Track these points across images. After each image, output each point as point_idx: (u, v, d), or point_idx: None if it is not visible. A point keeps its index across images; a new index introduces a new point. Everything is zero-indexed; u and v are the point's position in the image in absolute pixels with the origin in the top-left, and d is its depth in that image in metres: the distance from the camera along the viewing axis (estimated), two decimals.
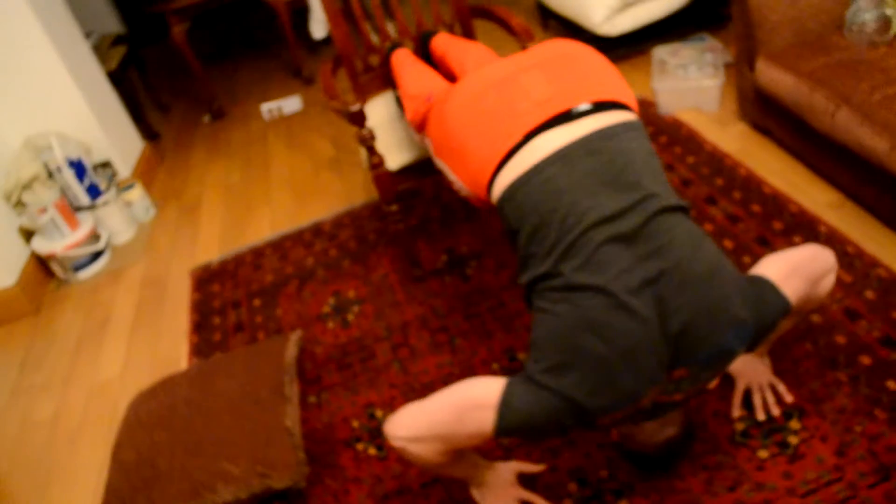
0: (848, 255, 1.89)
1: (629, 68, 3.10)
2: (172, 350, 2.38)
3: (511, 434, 1.27)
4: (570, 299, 1.23)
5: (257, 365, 2.03)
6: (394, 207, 2.13)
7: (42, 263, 2.89)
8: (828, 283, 1.42)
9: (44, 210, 2.75)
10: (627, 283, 1.20)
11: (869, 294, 1.78)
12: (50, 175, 2.84)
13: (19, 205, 2.76)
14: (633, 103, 1.46)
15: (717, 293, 1.23)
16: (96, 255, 2.91)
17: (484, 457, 1.65)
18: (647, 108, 2.77)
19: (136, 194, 3.12)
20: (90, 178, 2.93)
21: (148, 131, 3.91)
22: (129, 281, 2.82)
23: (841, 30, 2.17)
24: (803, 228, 2.02)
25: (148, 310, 2.62)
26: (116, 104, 3.40)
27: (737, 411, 1.61)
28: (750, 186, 2.22)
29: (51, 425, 2.24)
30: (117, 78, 3.60)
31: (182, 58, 3.89)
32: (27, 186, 2.73)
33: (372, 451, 1.80)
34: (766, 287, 1.33)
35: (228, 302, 2.48)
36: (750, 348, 1.33)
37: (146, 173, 3.44)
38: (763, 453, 1.52)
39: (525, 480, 1.61)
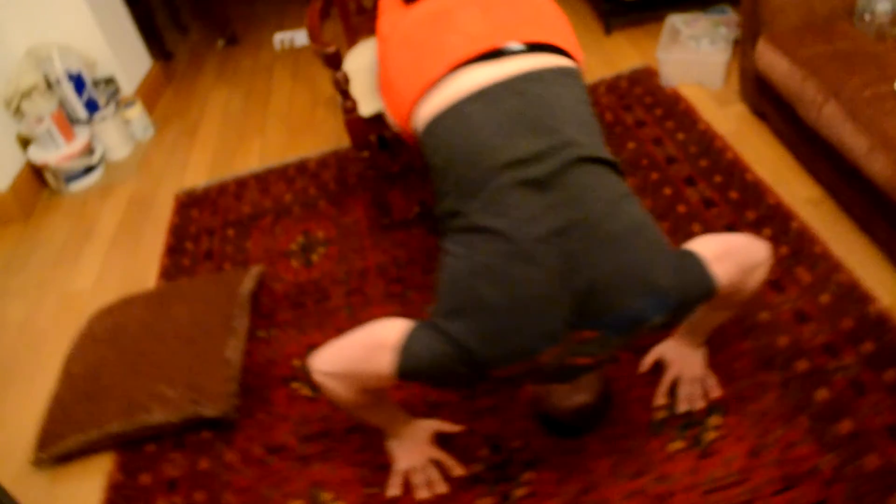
0: (813, 256, 1.83)
1: (641, 34, 2.98)
2: (144, 270, 2.43)
3: (411, 378, 1.25)
4: (470, 242, 1.21)
5: (213, 295, 2.06)
6: (365, 154, 2.11)
7: (36, 172, 2.95)
8: (759, 275, 1.37)
9: (41, 120, 2.79)
10: (532, 231, 1.16)
11: (824, 298, 1.72)
12: (49, 86, 2.87)
13: (18, 112, 2.80)
14: (575, 52, 1.41)
15: (634, 255, 1.18)
16: (89, 169, 2.95)
17: (408, 412, 1.66)
18: (649, 78, 2.67)
19: (136, 113, 3.14)
20: (89, 92, 2.95)
21: (161, 50, 3.91)
22: (118, 197, 2.86)
23: (852, 17, 2.05)
24: (775, 222, 1.95)
25: (129, 228, 2.67)
26: (126, 20, 3.40)
27: (660, 399, 1.59)
28: (733, 171, 2.15)
29: (19, 328, 2.32)
30: None
31: None
32: (26, 95, 2.76)
33: (305, 391, 1.83)
34: (694, 262, 1.28)
35: (204, 229, 2.51)
36: (670, 323, 1.28)
37: (150, 93, 3.45)
38: (675, 445, 1.50)
39: (441, 439, 1.63)
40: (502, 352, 1.17)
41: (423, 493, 1.53)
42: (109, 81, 3.12)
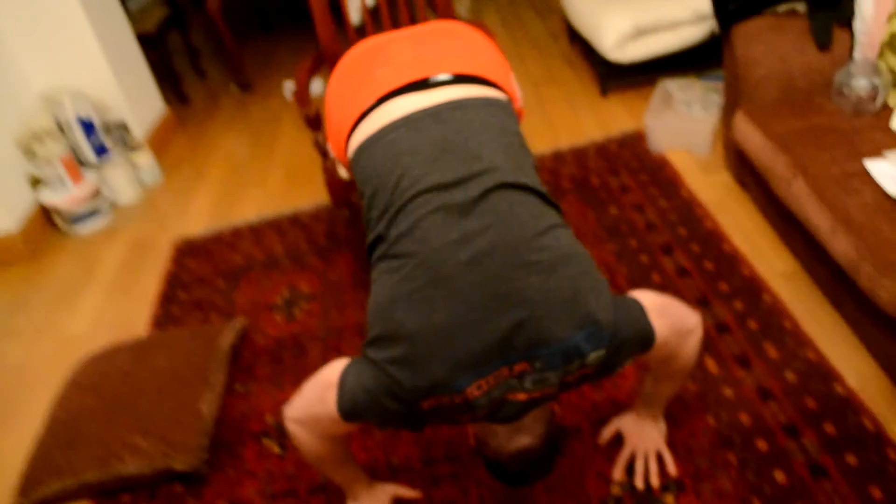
0: (782, 331, 1.84)
1: (637, 97, 3.03)
2: (137, 316, 2.50)
3: (353, 416, 1.23)
4: (392, 269, 1.19)
5: (193, 347, 2.12)
6: (345, 212, 2.17)
7: (45, 213, 3.06)
8: (693, 342, 1.36)
9: (50, 162, 2.90)
10: (452, 256, 1.13)
11: (789, 376, 1.73)
12: (61, 129, 2.99)
13: (30, 154, 2.92)
14: (505, 84, 1.44)
15: (564, 283, 1.14)
16: (96, 212, 3.05)
17: (371, 476, 1.69)
18: (638, 142, 2.71)
19: (145, 158, 3.25)
20: (99, 137, 3.07)
21: (178, 95, 4.04)
22: (121, 241, 2.95)
23: (830, 92, 2.08)
24: (747, 294, 1.96)
25: (128, 273, 2.75)
26: (142, 66, 3.53)
27: (618, 474, 1.60)
28: (710, 241, 2.17)
29: (16, 370, 2.39)
30: (154, 39, 3.74)
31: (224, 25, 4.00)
32: (38, 138, 2.88)
33: (275, 448, 1.86)
34: (633, 304, 1.25)
35: (196, 278, 2.58)
36: (608, 366, 1.22)
37: (161, 138, 3.57)
38: None
39: None
40: (425, 382, 1.13)
41: None
42: (120, 126, 3.24)
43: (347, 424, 1.27)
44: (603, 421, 1.72)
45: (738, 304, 1.94)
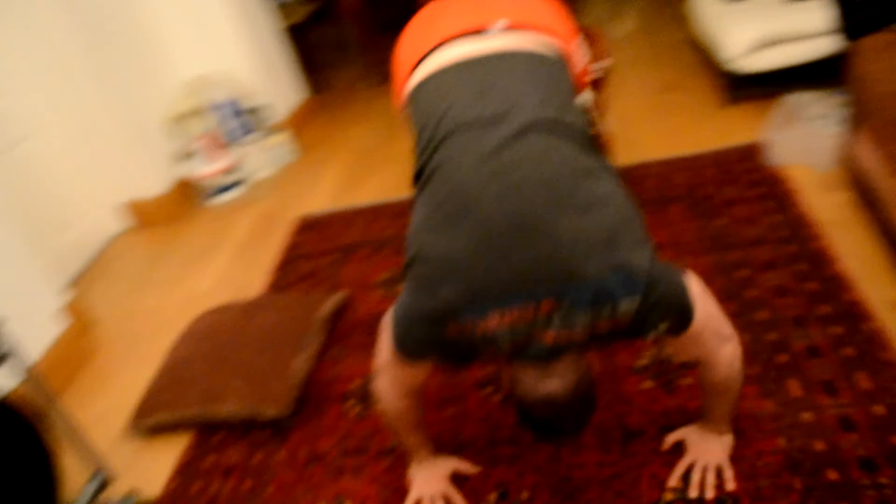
0: (879, 362, 1.73)
1: (759, 108, 2.89)
2: (254, 280, 2.73)
3: (401, 346, 1.27)
4: (428, 196, 1.22)
5: (296, 312, 2.29)
6: None
7: (186, 185, 3.39)
8: (729, 353, 1.36)
9: (194, 140, 3.22)
10: (483, 188, 1.14)
11: (878, 409, 1.63)
12: (206, 111, 3.31)
13: (177, 131, 3.26)
14: (564, 44, 1.45)
15: (602, 225, 1.13)
16: (231, 186, 3.35)
17: (438, 448, 1.77)
18: (756, 155, 2.61)
19: (281, 140, 3.53)
20: (239, 119, 3.37)
21: (321, 83, 4.32)
22: (251, 214, 3.23)
23: None
24: (847, 320, 1.86)
25: (253, 242, 3.00)
26: (285, 55, 3.82)
27: (673, 481, 1.59)
28: (819, 261, 2.07)
29: (148, 316, 2.70)
30: (302, 30, 4.03)
31: (374, 18, 4.23)
32: (185, 117, 3.21)
33: (355, 410, 2.00)
34: (677, 273, 1.22)
35: (311, 252, 2.78)
36: (637, 326, 1.19)
37: (300, 121, 3.84)
38: None
39: (457, 477, 1.72)
40: (441, 303, 1.15)
41: None
42: (262, 110, 3.53)
43: (408, 365, 1.33)
44: (669, 428, 1.70)
45: (836, 329, 1.85)
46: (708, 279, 2.09)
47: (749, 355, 1.83)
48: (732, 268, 2.14)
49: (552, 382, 1.24)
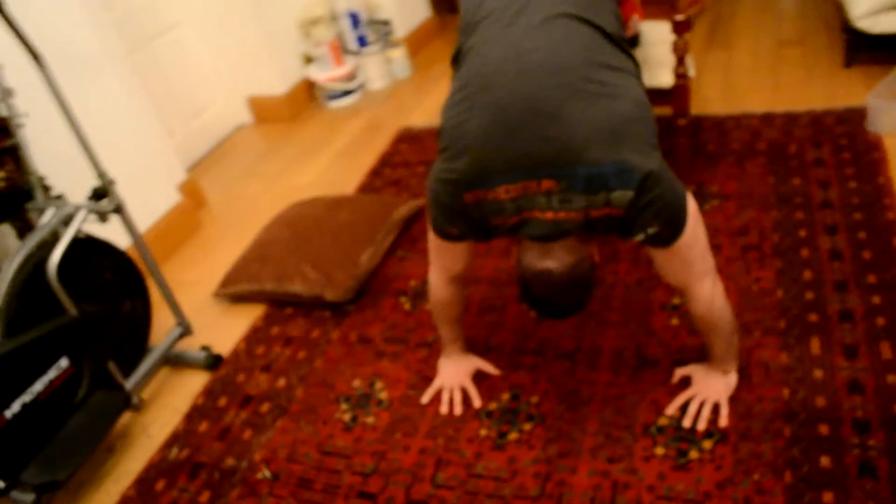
0: None
1: (882, 73, 2.73)
2: (349, 180, 2.97)
3: (434, 223, 1.44)
4: (457, 76, 1.35)
5: (374, 211, 2.51)
6: None
7: (309, 86, 3.66)
8: (706, 287, 1.44)
9: (320, 45, 3.45)
10: (502, 69, 1.24)
11: (891, 378, 1.63)
12: (333, 18, 3.52)
13: (306, 36, 3.50)
14: None
15: (609, 116, 1.21)
16: (348, 93, 3.58)
17: (469, 347, 1.96)
18: (859, 120, 2.50)
19: (399, 54, 3.70)
20: (362, 29, 3.55)
21: (444, 5, 4.42)
22: (360, 120, 3.45)
23: None
24: (888, 292, 1.84)
25: (356, 146, 3.23)
26: None
27: (671, 409, 1.69)
28: (882, 233, 2.02)
29: (251, 201, 3.02)
30: None
31: None
32: (314, 23, 3.44)
33: (407, 305, 2.21)
34: (678, 186, 1.31)
35: (403, 161, 2.98)
36: (628, 223, 1.29)
37: (419, 39, 3.99)
38: (659, 450, 1.61)
39: (479, 375, 1.91)
40: (459, 173, 1.28)
41: (444, 408, 1.84)
42: (385, 23, 3.70)
43: (445, 247, 1.51)
44: (682, 363, 1.79)
45: (876, 299, 1.83)
46: (765, 234, 2.12)
47: (779, 311, 1.87)
48: (793, 227, 2.13)
49: (550, 261, 1.37)
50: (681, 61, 2.11)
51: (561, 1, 1.31)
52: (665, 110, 2.78)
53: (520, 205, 1.29)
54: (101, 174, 1.95)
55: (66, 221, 1.93)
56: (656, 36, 2.37)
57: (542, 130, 1.20)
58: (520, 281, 1.47)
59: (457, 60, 1.42)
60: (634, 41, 2.31)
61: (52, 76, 1.82)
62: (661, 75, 2.19)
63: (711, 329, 1.55)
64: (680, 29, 2.04)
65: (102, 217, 2.01)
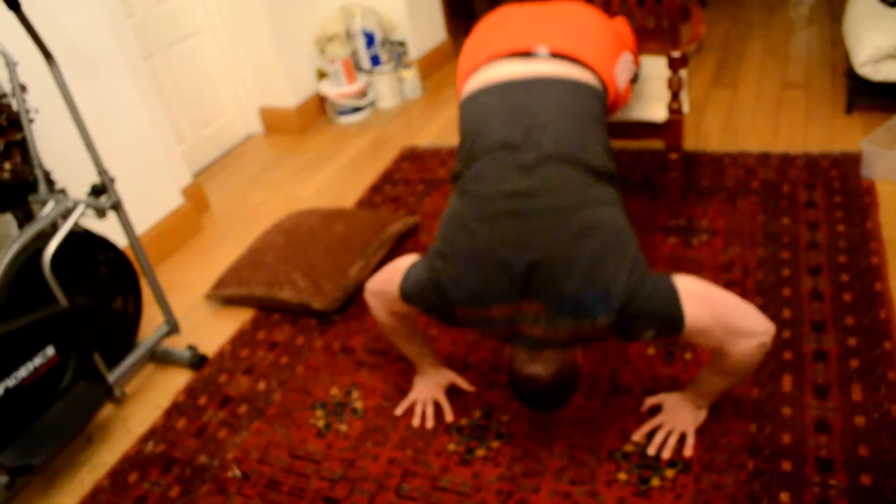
0: (881, 379, 1.72)
1: (880, 120, 2.76)
2: (349, 195, 3.02)
3: (407, 298, 1.57)
4: (461, 198, 1.48)
5: (368, 225, 2.56)
6: None
7: (321, 100, 3.73)
8: (749, 346, 1.43)
9: (334, 61, 3.53)
10: (501, 206, 1.39)
11: (859, 420, 1.64)
12: (348, 37, 3.60)
13: (322, 52, 3.58)
14: (603, 69, 1.60)
15: (589, 250, 1.35)
16: (358, 109, 3.65)
17: (448, 364, 1.98)
18: (853, 164, 2.52)
19: (410, 75, 3.76)
20: (376, 49, 3.63)
21: (466, 29, 4.50)
22: (367, 137, 3.51)
23: None
24: (868, 335, 1.84)
25: (360, 162, 3.29)
26: (433, 1, 4.02)
27: (637, 435, 1.70)
28: (865, 277, 2.03)
29: (253, 208, 3.07)
30: None
31: None
32: (330, 40, 3.52)
33: None
34: (663, 284, 1.39)
35: (403, 179, 3.03)
36: (624, 333, 1.41)
37: (432, 62, 4.06)
38: (622, 476, 1.62)
39: (454, 390, 1.93)
40: (462, 295, 1.43)
41: (416, 421, 1.86)
42: (400, 44, 3.77)
43: (403, 304, 1.61)
44: (654, 393, 1.81)
45: (852, 341, 1.84)
46: (750, 271, 2.14)
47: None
48: (778, 265, 2.14)
49: (537, 367, 1.49)
50: (675, 97, 2.14)
51: (553, 141, 1.43)
52: (658, 144, 2.83)
53: (511, 320, 1.43)
54: (102, 171, 2.01)
55: (65, 215, 1.99)
56: (653, 71, 2.42)
57: (529, 259, 1.35)
58: (509, 376, 1.57)
59: (457, 182, 1.53)
60: (636, 78, 2.35)
61: (61, 75, 1.88)
62: (655, 109, 2.23)
63: (727, 377, 1.55)
64: (675, 65, 2.08)
65: (100, 213, 2.06)
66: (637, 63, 2.30)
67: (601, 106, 1.57)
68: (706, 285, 1.43)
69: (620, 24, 2.33)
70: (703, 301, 1.40)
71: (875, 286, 2.00)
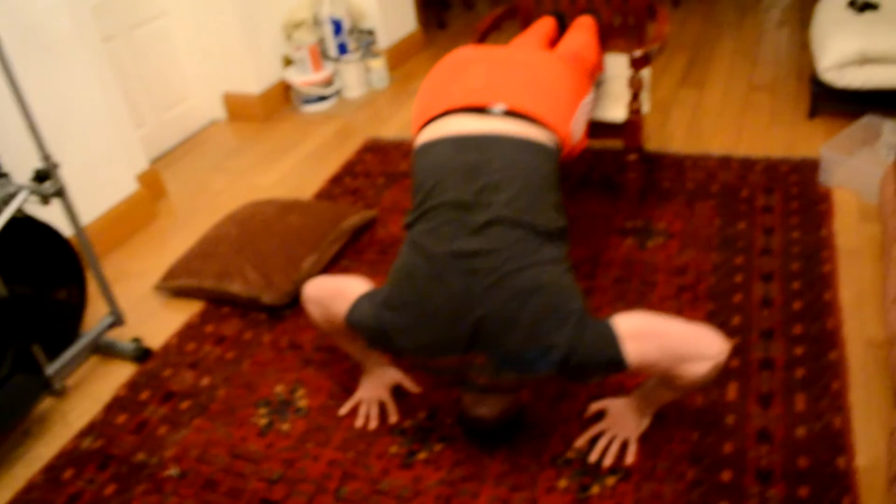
0: (825, 390, 1.72)
1: (842, 126, 2.76)
2: (309, 185, 2.97)
3: (352, 327, 1.58)
4: (413, 249, 1.49)
5: (323, 218, 2.51)
6: None
7: (283, 88, 3.66)
8: (699, 368, 1.42)
9: (300, 48, 3.46)
10: (450, 264, 1.42)
11: (800, 431, 1.64)
12: (316, 23, 3.54)
13: (289, 38, 3.51)
14: (558, 124, 1.59)
15: (532, 310, 1.38)
16: (323, 98, 3.59)
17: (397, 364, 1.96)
18: (812, 170, 2.53)
19: (378, 64, 3.71)
20: (343, 37, 3.57)
21: (438, 21, 4.45)
22: (331, 126, 3.46)
23: None
24: (815, 345, 1.84)
25: (322, 152, 3.24)
26: None
27: (580, 442, 1.69)
28: (816, 285, 2.03)
29: (214, 196, 3.01)
30: None
31: None
32: (297, 26, 3.45)
33: None
34: (602, 332, 1.41)
35: (364, 171, 2.98)
36: (573, 376, 1.44)
37: (402, 52, 4.01)
38: (562, 483, 1.61)
39: (400, 390, 1.90)
40: (408, 345, 1.47)
41: (359, 422, 1.83)
42: (367, 33, 3.71)
43: (343, 324, 1.62)
44: (600, 397, 1.79)
45: (799, 350, 1.84)
46: (703, 276, 2.13)
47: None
48: (731, 270, 2.14)
49: (482, 409, 1.58)
50: (635, 97, 2.12)
51: (504, 203, 1.44)
52: (617, 143, 2.81)
53: (458, 369, 1.47)
54: (46, 156, 1.95)
55: (6, 201, 1.92)
56: (616, 70, 2.39)
57: (475, 315, 1.39)
58: (457, 415, 1.68)
59: (409, 228, 1.55)
60: (599, 82, 2.34)
61: (4, 53, 1.81)
62: (614, 109, 2.20)
63: (677, 390, 1.54)
64: (637, 64, 2.06)
65: (44, 199, 2.00)
66: (601, 67, 2.28)
67: (555, 164, 1.57)
68: (650, 319, 1.45)
69: (584, 28, 2.30)
70: (647, 337, 1.41)
71: (824, 295, 2.00)
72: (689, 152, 2.78)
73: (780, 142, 2.77)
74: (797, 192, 2.45)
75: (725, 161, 2.69)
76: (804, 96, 3.05)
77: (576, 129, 1.70)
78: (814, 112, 2.87)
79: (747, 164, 2.65)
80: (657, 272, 2.17)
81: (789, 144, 2.74)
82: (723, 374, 1.80)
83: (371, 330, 1.53)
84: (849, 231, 2.24)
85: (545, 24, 2.38)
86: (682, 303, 2.05)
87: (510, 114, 1.56)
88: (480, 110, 1.57)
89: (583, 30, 2.27)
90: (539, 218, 1.46)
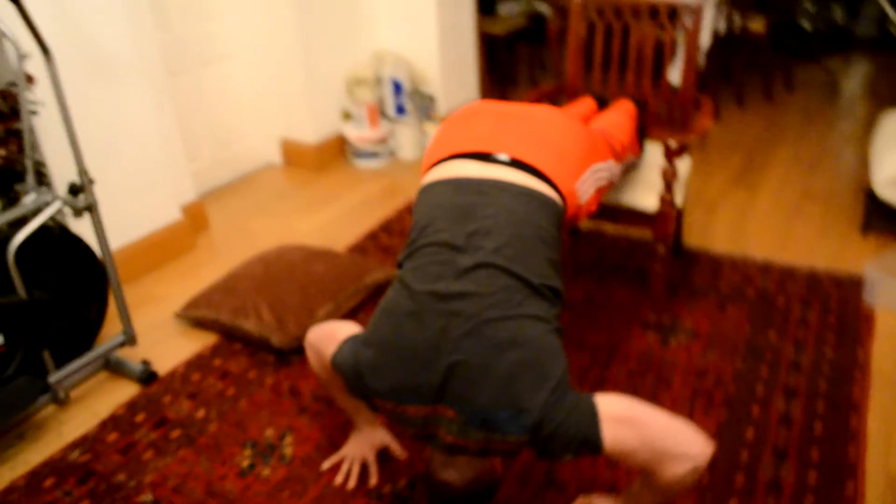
0: None
1: (882, 240, 2.63)
2: (343, 237, 3.00)
3: (335, 369, 1.52)
4: (397, 290, 1.45)
5: (347, 271, 2.52)
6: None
7: (339, 140, 3.76)
8: (681, 468, 1.31)
9: (360, 105, 3.56)
10: (432, 304, 1.37)
11: None
12: (378, 82, 3.64)
13: (349, 93, 3.62)
14: (563, 181, 1.57)
15: (507, 365, 1.31)
16: (376, 155, 3.66)
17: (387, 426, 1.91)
18: (856, 288, 2.40)
19: (434, 129, 3.77)
20: (402, 99, 3.65)
21: (500, 94, 4.53)
22: (380, 183, 3.51)
23: None
24: (831, 473, 1.71)
25: (365, 207, 3.28)
26: (470, 57, 4.03)
27: None
28: (842, 409, 1.90)
29: (250, 234, 3.07)
30: (498, 43, 4.25)
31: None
32: (359, 83, 3.56)
33: None
34: (582, 406, 1.32)
35: (400, 231, 3.00)
36: (543, 453, 1.34)
37: None
38: None
39: (386, 453, 1.85)
40: (379, 386, 1.40)
41: (338, 479, 1.78)
42: (428, 97, 3.80)
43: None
44: (589, 492, 1.70)
45: (812, 477, 1.71)
46: (722, 382, 2.03)
47: (710, 463, 1.75)
48: (753, 381, 2.03)
49: (451, 472, 1.47)
50: (668, 188, 2.08)
51: (494, 249, 1.41)
52: (646, 233, 2.75)
53: (427, 422, 1.39)
54: (82, 171, 2.02)
55: (41, 208, 2.00)
56: (653, 159, 2.36)
57: (451, 367, 1.32)
58: (424, 477, 1.53)
59: (400, 269, 1.52)
60: (634, 165, 2.31)
61: (56, 70, 1.91)
62: (646, 197, 2.17)
63: (653, 492, 1.43)
64: (670, 155, 2.02)
65: (77, 212, 2.07)
66: (639, 152, 2.25)
67: (555, 219, 1.53)
68: (634, 406, 1.35)
69: (621, 111, 2.29)
70: (628, 423, 1.31)
71: (851, 421, 1.87)
72: (730, 253, 2.70)
73: (826, 254, 2.66)
74: (837, 307, 2.33)
75: (766, 267, 2.59)
76: (859, 211, 2.94)
77: (582, 190, 1.65)
78: (867, 227, 2.76)
79: (788, 273, 2.54)
80: (675, 371, 2.08)
81: (836, 258, 2.63)
82: (725, 489, 1.69)
83: (348, 369, 1.46)
84: (887, 356, 2.10)
85: (584, 103, 2.38)
86: (694, 406, 1.94)
87: (514, 163, 1.54)
88: (485, 157, 1.56)
89: (618, 111, 2.26)
90: (530, 270, 1.40)
